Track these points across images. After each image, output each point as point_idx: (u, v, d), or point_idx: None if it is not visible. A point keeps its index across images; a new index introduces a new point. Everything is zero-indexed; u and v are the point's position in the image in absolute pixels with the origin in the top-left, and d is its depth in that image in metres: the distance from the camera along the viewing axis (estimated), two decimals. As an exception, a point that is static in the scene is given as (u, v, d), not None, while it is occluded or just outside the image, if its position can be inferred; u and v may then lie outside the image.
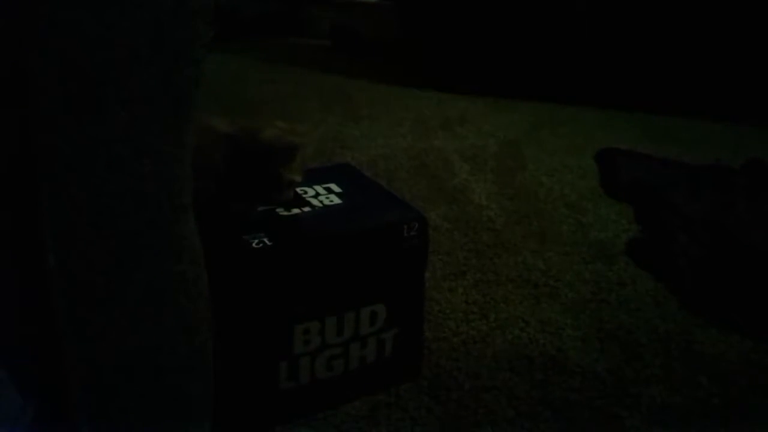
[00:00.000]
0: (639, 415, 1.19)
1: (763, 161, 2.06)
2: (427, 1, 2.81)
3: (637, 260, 1.67)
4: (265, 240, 1.05)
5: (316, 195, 1.20)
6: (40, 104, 0.61)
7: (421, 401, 1.19)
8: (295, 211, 1.15)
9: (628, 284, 1.56)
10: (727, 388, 1.25)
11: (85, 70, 0.61)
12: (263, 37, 3.42)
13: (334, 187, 1.23)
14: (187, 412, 0.82)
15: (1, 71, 0.61)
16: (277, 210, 1.14)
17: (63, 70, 0.60)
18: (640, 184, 1.97)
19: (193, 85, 0.68)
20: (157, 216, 0.67)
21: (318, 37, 3.42)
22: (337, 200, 1.19)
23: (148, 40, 0.62)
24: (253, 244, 1.04)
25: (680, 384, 1.26)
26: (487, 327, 1.39)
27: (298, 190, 1.21)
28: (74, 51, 0.60)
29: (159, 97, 0.65)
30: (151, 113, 0.65)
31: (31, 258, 0.64)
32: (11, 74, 0.61)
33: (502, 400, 1.20)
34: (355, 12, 3.46)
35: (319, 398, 1.15)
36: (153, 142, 0.65)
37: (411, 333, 1.21)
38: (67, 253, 0.64)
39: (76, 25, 0.60)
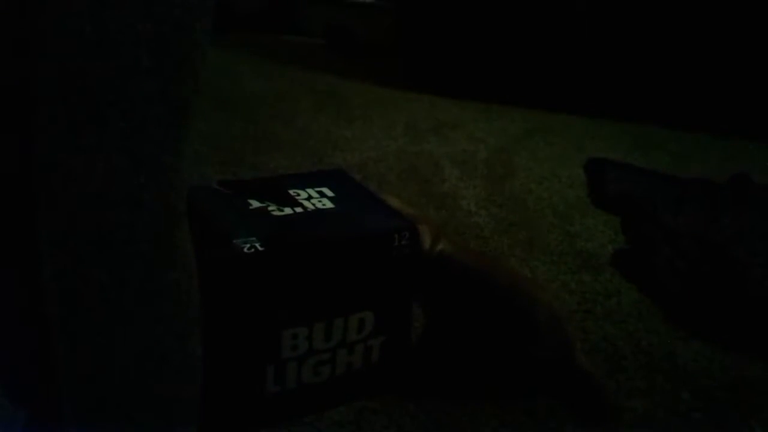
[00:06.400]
0: (621, 428, 1.20)
1: (749, 176, 2.08)
2: (422, 5, 2.82)
3: (623, 271, 1.69)
4: (257, 245, 1.05)
5: (309, 198, 1.20)
6: (40, 112, 0.61)
7: (406, 409, 1.19)
8: (288, 211, 1.15)
9: (613, 296, 1.57)
10: (709, 403, 1.27)
11: (85, 80, 0.61)
12: (258, 33, 3.42)
13: (326, 191, 1.23)
14: (175, 416, 0.82)
15: (2, 80, 0.61)
16: (269, 209, 1.15)
17: (63, 79, 0.60)
18: (628, 195, 1.99)
19: (192, 95, 0.68)
20: (152, 225, 0.67)
21: (313, 35, 3.42)
22: (329, 204, 1.19)
23: (149, 51, 0.62)
24: (245, 249, 1.04)
25: (662, 397, 1.27)
26: (473, 335, 1.40)
27: (290, 191, 1.21)
28: (75, 61, 0.60)
29: (158, 106, 0.65)
30: (149, 123, 0.65)
31: (25, 266, 0.64)
32: (11, 82, 0.61)
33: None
34: (351, 12, 3.45)
35: (305, 403, 1.15)
36: (151, 151, 0.65)
37: (398, 341, 1.22)
38: (62, 261, 0.64)
39: (78, 35, 0.60)
